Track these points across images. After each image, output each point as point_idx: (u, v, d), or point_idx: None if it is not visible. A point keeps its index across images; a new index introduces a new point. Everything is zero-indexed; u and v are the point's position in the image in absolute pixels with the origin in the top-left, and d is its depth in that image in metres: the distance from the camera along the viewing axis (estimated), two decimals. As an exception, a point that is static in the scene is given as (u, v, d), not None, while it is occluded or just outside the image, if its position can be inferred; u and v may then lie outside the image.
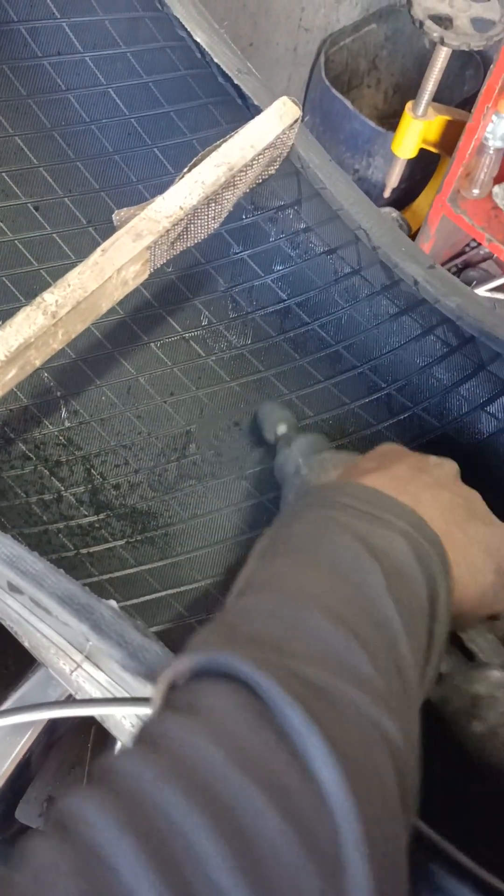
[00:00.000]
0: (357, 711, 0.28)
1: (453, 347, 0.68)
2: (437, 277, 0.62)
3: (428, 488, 0.44)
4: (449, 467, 0.48)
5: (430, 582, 0.37)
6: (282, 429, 0.65)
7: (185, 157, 0.65)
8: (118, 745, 0.61)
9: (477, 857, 0.32)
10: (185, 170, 0.58)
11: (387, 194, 1.45)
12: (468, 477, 0.66)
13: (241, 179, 0.60)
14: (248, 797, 0.24)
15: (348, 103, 1.44)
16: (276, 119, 0.60)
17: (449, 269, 1.55)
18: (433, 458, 0.48)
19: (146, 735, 0.28)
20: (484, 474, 0.66)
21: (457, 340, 0.68)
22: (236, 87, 0.67)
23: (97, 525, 0.64)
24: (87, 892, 0.22)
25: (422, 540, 0.38)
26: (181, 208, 0.56)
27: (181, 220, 0.56)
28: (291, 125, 0.61)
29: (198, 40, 0.66)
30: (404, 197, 1.55)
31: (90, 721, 0.49)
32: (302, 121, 0.62)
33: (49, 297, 0.51)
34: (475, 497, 0.46)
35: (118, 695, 0.46)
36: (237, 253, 0.77)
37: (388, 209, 1.47)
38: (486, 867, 0.31)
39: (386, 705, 0.29)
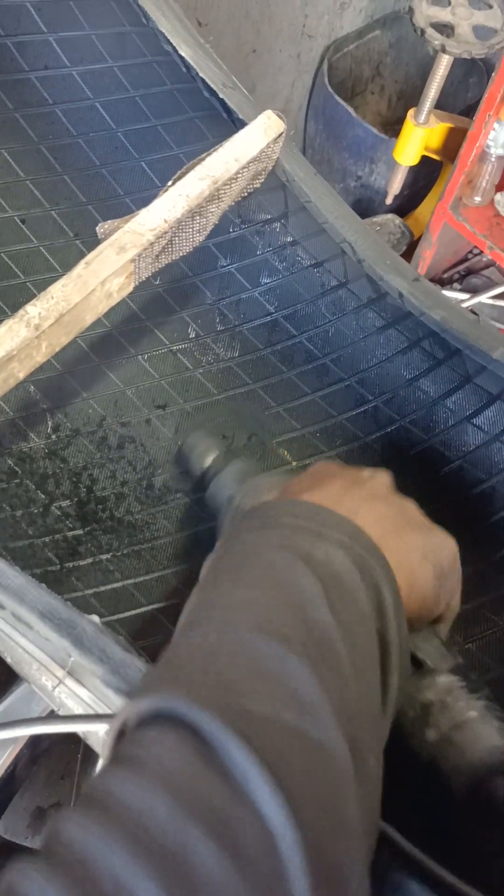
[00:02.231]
0: (302, 738, 0.28)
1: (439, 360, 0.68)
2: (421, 290, 0.62)
3: (363, 501, 0.44)
4: (382, 478, 0.48)
5: (374, 589, 0.37)
6: (209, 459, 0.63)
7: (171, 171, 0.65)
8: (100, 763, 0.60)
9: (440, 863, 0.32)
10: (170, 182, 0.58)
11: (389, 201, 1.44)
12: (454, 489, 0.67)
13: (225, 192, 0.60)
14: (192, 843, 0.24)
15: (351, 110, 1.44)
16: (261, 132, 0.60)
17: (451, 277, 1.54)
18: (366, 471, 0.49)
19: (91, 795, 0.27)
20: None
21: (443, 353, 0.68)
22: (221, 101, 0.67)
23: (83, 538, 0.64)
24: None
25: (360, 549, 0.39)
26: (165, 221, 0.56)
27: (165, 232, 0.56)
28: (276, 139, 0.61)
29: (183, 55, 0.67)
30: (406, 204, 1.54)
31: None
32: (303, 134, 0.62)
33: (32, 310, 0.51)
34: (409, 505, 0.47)
35: (101, 711, 0.46)
36: (224, 266, 0.77)
37: (390, 216, 1.46)
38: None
39: (333, 721, 0.29)
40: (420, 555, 0.43)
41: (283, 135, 0.62)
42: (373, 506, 0.44)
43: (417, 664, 0.42)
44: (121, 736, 0.31)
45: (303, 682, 0.30)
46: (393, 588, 0.38)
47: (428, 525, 0.46)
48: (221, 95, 0.66)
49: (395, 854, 0.32)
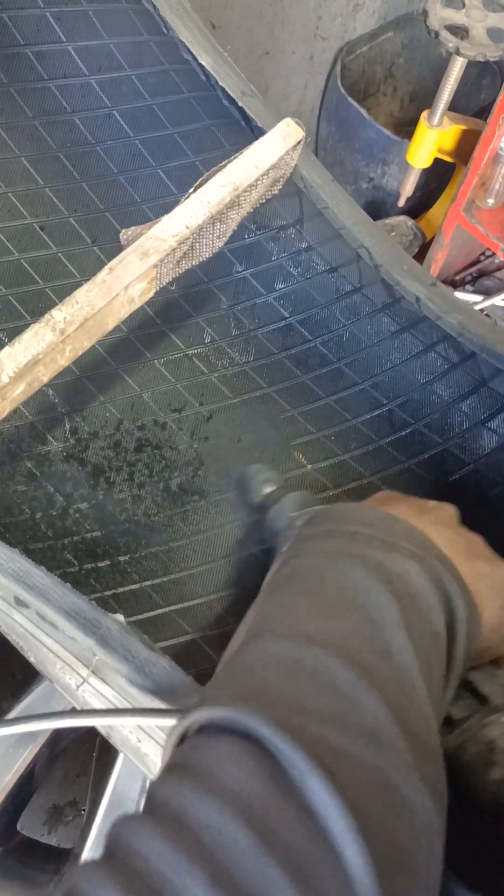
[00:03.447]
0: (381, 780, 0.27)
1: (454, 364, 0.69)
2: (439, 295, 0.63)
3: (431, 525, 0.44)
4: (449, 509, 0.48)
5: (447, 603, 0.37)
6: (269, 487, 0.64)
7: (188, 178, 0.66)
8: (121, 758, 0.61)
9: None
10: (191, 190, 0.59)
11: (401, 203, 1.44)
12: (469, 494, 0.67)
13: (245, 199, 0.61)
14: (273, 886, 0.23)
15: (364, 112, 1.43)
16: (281, 140, 0.61)
17: (463, 279, 1.54)
18: (432, 502, 0.48)
19: (161, 803, 0.26)
20: (486, 490, 0.67)
21: (458, 357, 0.68)
22: (240, 109, 0.68)
23: (101, 540, 0.64)
24: None
25: (434, 561, 0.38)
26: (187, 227, 0.57)
27: (187, 238, 0.57)
28: (295, 146, 0.62)
29: (203, 63, 0.68)
30: (419, 205, 1.53)
31: (95, 731, 0.49)
32: (315, 136, 0.62)
33: (57, 315, 0.52)
34: (477, 539, 0.46)
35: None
36: (240, 271, 0.78)
37: (402, 218, 1.45)
38: None
39: (411, 765, 0.28)
40: (489, 584, 0.41)
41: (302, 142, 0.63)
42: (441, 531, 0.43)
43: (481, 699, 0.41)
44: (182, 740, 0.30)
45: (383, 720, 0.29)
46: (466, 601, 0.38)
47: (496, 559, 0.45)
48: (241, 103, 0.67)
49: None
